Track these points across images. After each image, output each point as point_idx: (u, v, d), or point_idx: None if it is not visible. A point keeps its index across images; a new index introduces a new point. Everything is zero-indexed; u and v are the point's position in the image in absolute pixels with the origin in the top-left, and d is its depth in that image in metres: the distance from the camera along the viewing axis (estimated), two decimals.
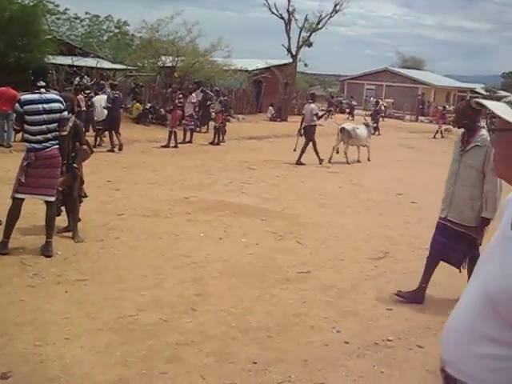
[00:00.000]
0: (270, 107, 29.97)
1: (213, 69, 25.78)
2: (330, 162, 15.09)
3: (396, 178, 13.10)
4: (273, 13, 31.33)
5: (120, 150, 14.48)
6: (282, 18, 31.36)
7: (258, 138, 21.05)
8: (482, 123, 5.33)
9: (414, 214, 9.20)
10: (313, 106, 15.46)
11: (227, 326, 4.57)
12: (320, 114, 15.82)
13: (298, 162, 14.51)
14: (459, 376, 1.58)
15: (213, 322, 4.64)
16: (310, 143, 14.74)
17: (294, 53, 31.57)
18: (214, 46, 26.50)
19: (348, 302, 5.28)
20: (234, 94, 30.19)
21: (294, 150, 14.87)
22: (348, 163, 15.31)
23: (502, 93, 60.13)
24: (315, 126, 14.99)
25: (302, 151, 14.67)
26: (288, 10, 31.08)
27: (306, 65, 33.36)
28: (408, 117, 40.42)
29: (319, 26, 31.59)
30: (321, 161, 14.76)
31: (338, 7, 31.42)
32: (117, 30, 33.43)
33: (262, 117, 29.90)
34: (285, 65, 32.63)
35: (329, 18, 31.60)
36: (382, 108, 32.89)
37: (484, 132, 5.09)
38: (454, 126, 23.04)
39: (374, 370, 4.10)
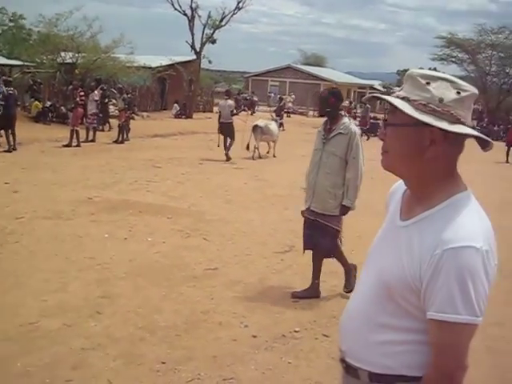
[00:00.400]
0: (175, 104, 29.71)
1: (115, 65, 25.17)
2: (254, 158, 15.65)
3: (301, 172, 13.28)
4: (176, 9, 30.97)
5: (13, 150, 13.84)
6: (186, 14, 31.08)
7: (163, 135, 20.81)
8: (343, 112, 5.42)
9: None
10: (230, 102, 15.81)
11: (135, 327, 4.50)
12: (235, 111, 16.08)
13: (227, 158, 14.91)
14: (360, 364, 1.63)
15: (120, 323, 4.56)
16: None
17: (197, 50, 31.41)
18: (116, 42, 25.90)
19: (255, 297, 5.36)
20: (138, 92, 29.65)
21: (218, 146, 15.35)
22: (253, 159, 15.55)
23: (397, 89, 62.84)
24: (232, 123, 15.32)
25: (225, 146, 15.10)
26: (191, 7, 30.83)
27: (210, 62, 33.27)
28: (311, 113, 41.39)
29: (222, 23, 31.60)
30: (228, 159, 14.90)
31: (240, 4, 31.57)
32: (11, 24, 31.79)
33: (167, 114, 29.58)
34: (189, 61, 32.42)
35: (232, 15, 31.68)
36: (288, 105, 33.52)
37: (346, 120, 5.22)
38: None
39: (282, 361, 4.19)
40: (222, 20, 31.50)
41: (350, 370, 1.69)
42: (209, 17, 31.25)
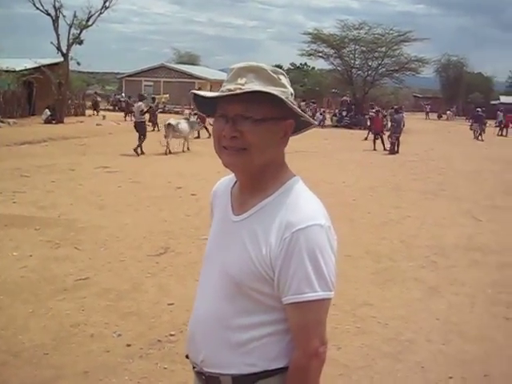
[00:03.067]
0: (46, 109, 28.31)
1: None
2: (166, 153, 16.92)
3: (176, 172, 13.27)
4: (38, 9, 29.55)
5: None
6: (49, 14, 29.75)
7: (31, 142, 19.73)
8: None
9: (193, 206, 9.41)
10: (140, 103, 17.82)
11: None
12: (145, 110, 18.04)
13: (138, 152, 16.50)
14: (220, 370, 1.57)
15: None
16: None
17: (64, 51, 30.17)
18: None
19: (129, 303, 5.21)
20: (2, 97, 27.98)
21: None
22: (166, 154, 16.86)
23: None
24: (144, 122, 17.60)
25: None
26: (54, 6, 29.55)
27: (78, 63, 31.96)
28: (187, 111, 41.22)
29: (89, 23, 30.57)
30: (138, 154, 16.39)
31: (107, 3, 30.73)
32: None
33: (37, 120, 28.15)
34: (56, 64, 31.03)
35: (99, 15, 30.71)
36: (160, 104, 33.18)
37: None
38: None
39: (157, 367, 4.10)
40: (88, 20, 30.47)
41: (210, 380, 1.61)
42: (74, 16, 30.11)
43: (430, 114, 56.63)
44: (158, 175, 12.76)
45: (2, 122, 24.33)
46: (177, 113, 39.36)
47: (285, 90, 1.54)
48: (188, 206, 9.50)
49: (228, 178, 1.77)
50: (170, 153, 17.02)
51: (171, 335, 4.59)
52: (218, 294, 1.59)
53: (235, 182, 1.71)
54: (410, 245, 7.81)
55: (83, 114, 34.08)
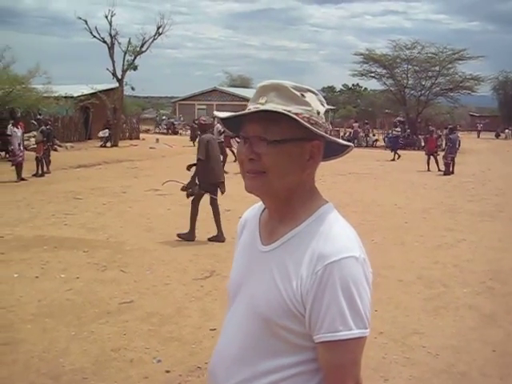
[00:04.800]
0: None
1: (32, 96, 24.39)
2: None
3: (226, 194, 13.21)
4: (94, 36, 30.65)
5: None
6: (105, 41, 30.79)
7: (86, 165, 20.25)
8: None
9: None
10: (218, 125, 17.66)
11: (37, 374, 4.19)
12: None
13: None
14: None
15: (20, 372, 4.23)
16: None
17: (119, 77, 31.06)
18: (31, 73, 25.22)
19: (171, 328, 5.14)
20: (61, 122, 28.93)
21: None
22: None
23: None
24: (222, 142, 17.40)
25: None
26: (110, 34, 30.59)
27: (133, 88, 32.87)
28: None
29: (143, 49, 31.46)
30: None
31: (161, 30, 31.57)
32: None
33: (93, 143, 28.97)
34: (112, 89, 31.97)
35: (153, 41, 31.60)
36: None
37: None
38: None
39: None
40: (142, 46, 31.35)
41: None
42: (129, 43, 31.08)
43: (481, 132, 55.10)
44: (206, 197, 12.72)
45: (60, 146, 25.06)
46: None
47: (308, 109, 1.41)
48: (235, 228, 9.38)
49: (258, 206, 1.65)
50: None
51: None
52: (243, 330, 1.45)
53: (264, 209, 1.59)
54: (465, 270, 7.47)
55: (137, 138, 34.82)
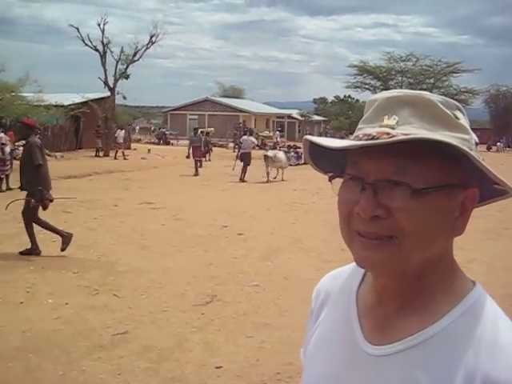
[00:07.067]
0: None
1: (22, 105, 23.84)
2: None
3: (222, 208, 12.73)
4: (86, 45, 30.31)
5: None
6: (97, 50, 30.38)
7: (77, 176, 19.69)
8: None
9: (241, 247, 8.81)
10: (251, 138, 21.67)
11: None
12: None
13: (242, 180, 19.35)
14: None
15: None
16: None
17: (111, 86, 30.58)
18: (21, 81, 24.69)
19: (172, 366, 4.59)
20: (51, 131, 28.34)
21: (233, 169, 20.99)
22: (267, 182, 19.24)
23: (316, 117, 64.48)
24: (249, 153, 20.24)
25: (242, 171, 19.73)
26: (102, 42, 30.20)
27: (124, 97, 32.45)
28: (231, 144, 41.14)
29: (135, 58, 31.09)
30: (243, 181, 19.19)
31: (153, 39, 31.21)
32: None
33: (83, 153, 28.40)
34: (103, 98, 31.47)
35: (145, 50, 31.30)
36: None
37: None
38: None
39: None
40: (135, 55, 30.99)
41: None
42: (121, 52, 30.70)
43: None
44: (202, 212, 12.23)
45: (50, 155, 24.43)
46: (221, 146, 39.26)
47: (466, 138, 0.86)
48: (235, 247, 8.90)
49: (345, 271, 1.07)
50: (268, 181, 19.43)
51: None
52: None
53: (362, 280, 1.02)
54: None
55: (129, 148, 34.28)
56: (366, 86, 40.96)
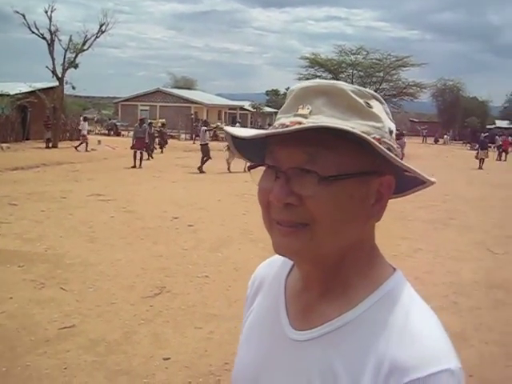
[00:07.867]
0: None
1: None
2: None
3: (172, 200, 12.67)
4: (33, 32, 29.33)
5: None
6: (44, 38, 29.50)
7: (24, 168, 19.16)
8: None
9: (190, 239, 8.80)
10: (204, 128, 21.89)
11: None
12: None
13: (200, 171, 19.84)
14: None
15: None
16: None
17: (59, 75, 29.83)
18: None
19: (119, 358, 4.56)
20: None
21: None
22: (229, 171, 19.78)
23: (267, 109, 64.67)
24: (207, 144, 20.96)
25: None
26: (50, 30, 29.33)
27: (73, 87, 31.62)
28: (183, 135, 40.94)
29: (85, 47, 30.36)
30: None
31: (103, 28, 30.58)
32: None
33: (30, 144, 27.66)
34: (51, 88, 30.66)
35: (95, 39, 30.58)
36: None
37: None
38: None
39: None
40: (84, 44, 30.26)
41: None
42: (70, 40, 29.92)
43: (427, 138, 56.55)
44: (152, 204, 12.12)
45: None
46: (172, 137, 38.92)
47: (378, 126, 0.88)
48: (185, 238, 8.87)
49: (278, 260, 1.08)
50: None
51: None
52: None
53: (291, 269, 1.05)
54: (426, 282, 7.18)
55: (78, 139, 33.61)
56: (317, 79, 41.37)
